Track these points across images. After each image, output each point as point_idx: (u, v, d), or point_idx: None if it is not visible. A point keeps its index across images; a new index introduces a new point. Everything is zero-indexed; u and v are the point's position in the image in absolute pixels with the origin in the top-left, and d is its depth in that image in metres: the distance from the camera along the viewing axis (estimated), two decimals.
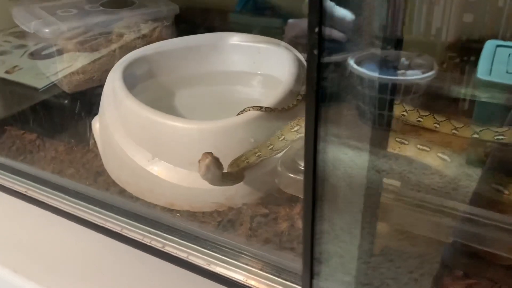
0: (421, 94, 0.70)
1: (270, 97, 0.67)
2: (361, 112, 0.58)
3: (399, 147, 0.56)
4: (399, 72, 0.88)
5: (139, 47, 0.87)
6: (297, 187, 0.53)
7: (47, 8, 0.86)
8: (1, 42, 0.97)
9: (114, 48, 0.86)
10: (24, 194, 0.70)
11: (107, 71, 0.84)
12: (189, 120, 0.63)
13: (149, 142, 0.66)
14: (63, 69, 0.86)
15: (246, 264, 0.54)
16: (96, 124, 0.76)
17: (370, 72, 0.82)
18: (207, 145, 0.62)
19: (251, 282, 0.52)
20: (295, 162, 0.54)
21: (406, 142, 0.56)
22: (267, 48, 0.82)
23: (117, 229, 0.62)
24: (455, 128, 0.62)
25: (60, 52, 0.88)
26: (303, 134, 0.58)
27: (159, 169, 0.65)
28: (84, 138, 0.83)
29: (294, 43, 1.00)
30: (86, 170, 0.76)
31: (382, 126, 0.63)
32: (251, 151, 0.62)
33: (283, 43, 0.82)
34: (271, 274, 0.52)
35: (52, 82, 0.84)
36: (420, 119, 0.65)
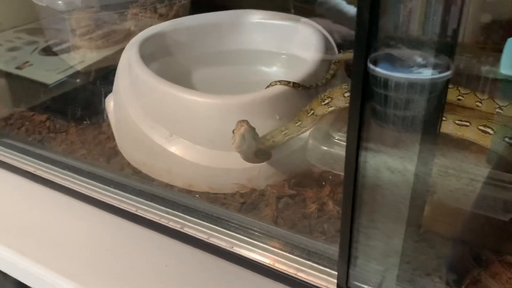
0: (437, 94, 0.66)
1: (297, 73, 0.63)
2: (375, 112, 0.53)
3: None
4: (415, 71, 0.84)
5: None
6: (332, 161, 0.48)
7: None
8: (13, 38, 0.98)
9: (129, 26, 0.83)
10: (33, 174, 0.66)
11: (120, 51, 0.81)
12: (210, 94, 0.59)
13: (167, 119, 0.62)
14: (74, 65, 0.85)
15: (273, 247, 0.49)
16: (110, 102, 0.72)
17: (388, 72, 0.78)
18: (230, 121, 0.58)
19: (278, 265, 0.48)
20: (329, 134, 0.50)
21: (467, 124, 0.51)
22: (289, 26, 0.77)
23: (131, 209, 0.57)
24: (499, 107, 0.57)
25: (72, 48, 0.86)
26: (334, 107, 0.54)
27: (177, 147, 0.61)
28: (96, 118, 0.79)
29: None
30: (99, 151, 0.72)
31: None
32: (277, 129, 0.57)
33: (305, 19, 0.77)
34: (301, 257, 0.48)
35: (61, 79, 0.83)
36: (460, 97, 0.60)
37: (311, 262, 0.47)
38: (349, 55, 0.71)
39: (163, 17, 0.86)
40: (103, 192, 0.60)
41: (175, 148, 0.61)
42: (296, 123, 0.57)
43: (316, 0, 0.95)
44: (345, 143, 0.43)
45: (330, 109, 0.54)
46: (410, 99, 0.41)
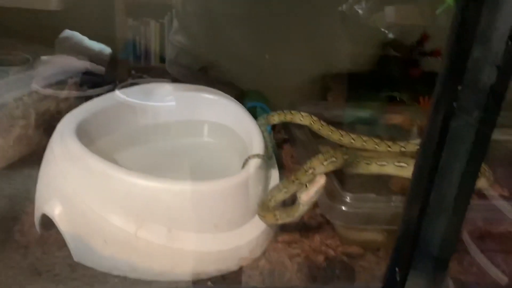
0: None
1: (252, 145, 0.70)
2: None
3: None
4: None
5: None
6: None
7: None
8: None
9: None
10: None
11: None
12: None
13: (160, 214, 0.58)
14: None
15: None
16: (54, 208, 0.59)
17: None
18: (231, 201, 0.61)
19: None
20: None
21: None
22: (205, 97, 0.82)
23: None
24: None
25: None
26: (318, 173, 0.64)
27: (180, 241, 0.59)
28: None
29: None
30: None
31: None
32: (275, 190, 0.65)
33: (215, 90, 0.83)
34: None
35: None
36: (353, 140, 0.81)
37: None
38: (272, 118, 0.82)
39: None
40: None
41: (178, 243, 0.58)
42: (282, 189, 0.65)
43: None
44: None
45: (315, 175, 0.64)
46: None
